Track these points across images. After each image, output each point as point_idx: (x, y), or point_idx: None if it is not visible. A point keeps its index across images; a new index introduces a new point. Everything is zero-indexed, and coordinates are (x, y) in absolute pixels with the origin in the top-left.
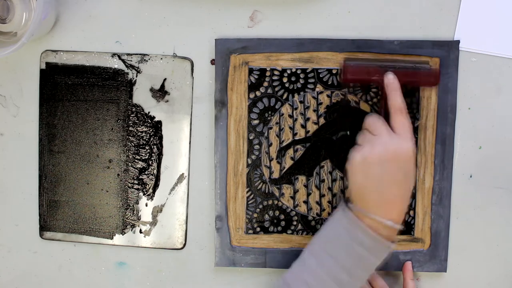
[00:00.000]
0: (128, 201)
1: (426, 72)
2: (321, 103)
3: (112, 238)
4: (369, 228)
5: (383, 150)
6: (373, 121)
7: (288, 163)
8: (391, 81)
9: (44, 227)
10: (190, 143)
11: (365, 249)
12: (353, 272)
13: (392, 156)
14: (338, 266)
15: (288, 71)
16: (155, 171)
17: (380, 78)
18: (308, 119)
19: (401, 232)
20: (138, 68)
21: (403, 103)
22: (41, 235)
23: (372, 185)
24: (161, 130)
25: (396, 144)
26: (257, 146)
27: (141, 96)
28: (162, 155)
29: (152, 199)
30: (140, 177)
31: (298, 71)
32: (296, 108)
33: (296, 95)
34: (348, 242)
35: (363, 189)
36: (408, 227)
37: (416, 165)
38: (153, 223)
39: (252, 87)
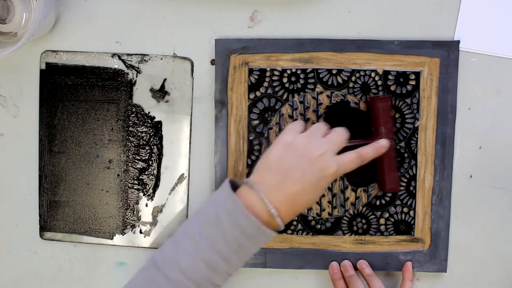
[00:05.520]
0: (128, 201)
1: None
2: (321, 104)
3: (112, 238)
4: (250, 210)
5: (314, 150)
6: (318, 126)
7: None
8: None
9: (44, 228)
10: (190, 143)
11: (246, 237)
12: (230, 259)
13: (316, 161)
14: (215, 252)
15: (288, 71)
16: (155, 171)
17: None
18: (308, 119)
19: (401, 232)
20: (138, 68)
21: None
22: (41, 235)
23: (281, 168)
24: (161, 130)
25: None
26: (257, 147)
27: (141, 96)
28: (162, 155)
29: (152, 199)
30: (140, 177)
31: (298, 71)
32: (296, 109)
33: (296, 96)
34: (229, 229)
35: (270, 165)
36: (408, 227)
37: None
38: (153, 223)
39: (252, 87)
